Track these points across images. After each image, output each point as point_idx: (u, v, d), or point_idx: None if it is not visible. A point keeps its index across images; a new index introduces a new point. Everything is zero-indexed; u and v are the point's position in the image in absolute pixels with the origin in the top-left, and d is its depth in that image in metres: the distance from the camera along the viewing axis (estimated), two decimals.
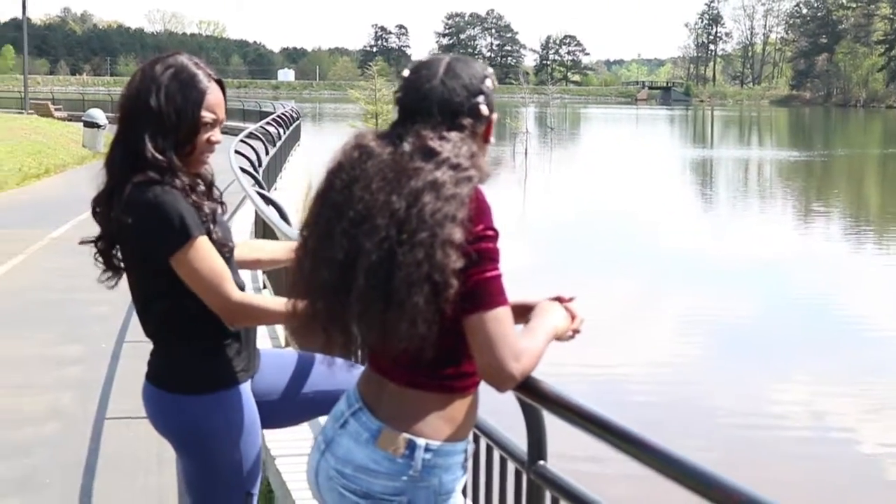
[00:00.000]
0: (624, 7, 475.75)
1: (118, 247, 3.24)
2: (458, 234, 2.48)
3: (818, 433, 11.02)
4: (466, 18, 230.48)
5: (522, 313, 2.76)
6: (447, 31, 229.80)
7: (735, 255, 22.52)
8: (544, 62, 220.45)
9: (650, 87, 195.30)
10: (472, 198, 2.54)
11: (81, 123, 37.21)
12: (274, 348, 3.72)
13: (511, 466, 3.41)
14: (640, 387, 12.29)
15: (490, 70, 2.80)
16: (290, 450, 5.82)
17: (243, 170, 13.31)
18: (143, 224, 3.09)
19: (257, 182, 12.38)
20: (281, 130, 25.99)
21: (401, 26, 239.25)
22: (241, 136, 18.83)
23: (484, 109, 2.70)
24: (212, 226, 3.20)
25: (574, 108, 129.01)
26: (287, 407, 3.56)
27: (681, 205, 32.63)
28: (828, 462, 10.06)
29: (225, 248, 3.26)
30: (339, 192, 2.62)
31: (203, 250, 3.13)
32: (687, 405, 11.62)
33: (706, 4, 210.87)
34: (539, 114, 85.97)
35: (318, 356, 3.50)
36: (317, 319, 2.68)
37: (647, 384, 12.49)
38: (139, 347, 9.39)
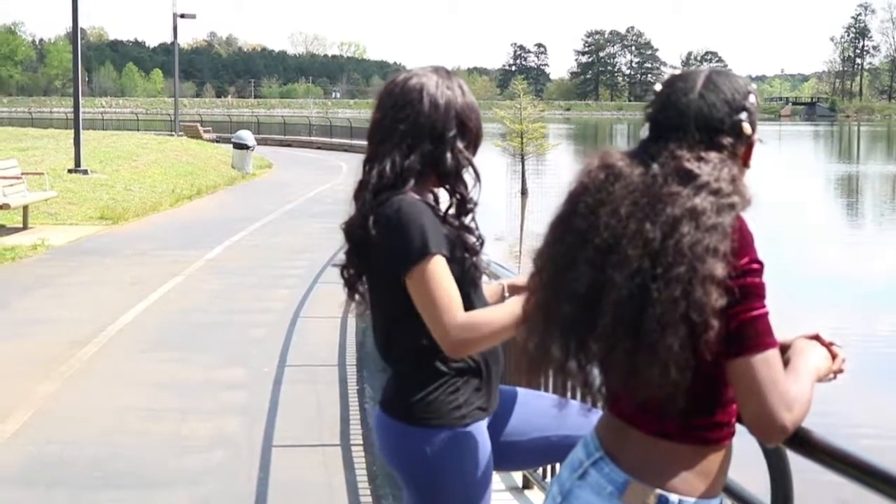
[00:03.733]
0: (767, 22, 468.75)
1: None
2: (720, 270, 2.19)
3: None
4: (606, 36, 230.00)
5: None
6: (587, 49, 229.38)
7: (876, 272, 21.80)
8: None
9: (794, 103, 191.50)
10: (735, 227, 2.25)
11: (230, 145, 37.86)
12: (512, 387, 3.50)
13: None
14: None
15: (754, 85, 2.51)
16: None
17: None
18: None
19: None
20: None
21: (540, 45, 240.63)
22: None
23: (747, 128, 2.41)
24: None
25: None
26: (524, 449, 3.38)
27: (824, 221, 31.72)
28: None
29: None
30: (582, 217, 2.36)
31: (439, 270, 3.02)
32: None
33: (853, 18, 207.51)
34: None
35: (552, 397, 3.30)
36: (552, 358, 2.43)
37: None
38: (301, 371, 9.46)
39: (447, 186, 3.17)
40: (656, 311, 2.20)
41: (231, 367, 9.79)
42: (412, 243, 2.97)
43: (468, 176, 3.20)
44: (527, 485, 5.69)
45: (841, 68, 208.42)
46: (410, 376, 3.13)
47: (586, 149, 74.06)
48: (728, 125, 2.39)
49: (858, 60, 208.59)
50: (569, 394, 3.92)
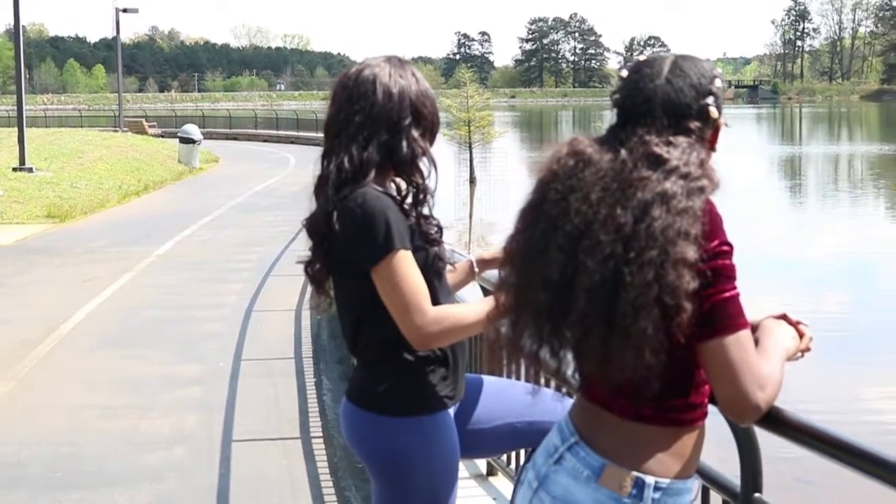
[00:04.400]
0: (708, 6, 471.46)
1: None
2: (691, 253, 2.21)
3: None
4: (550, 23, 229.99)
5: None
6: (530, 37, 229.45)
7: (824, 252, 22.05)
8: (629, 64, 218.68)
9: (736, 86, 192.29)
10: (705, 211, 2.27)
11: (176, 140, 37.66)
12: (478, 374, 3.50)
13: (716, 499, 3.13)
14: None
15: (719, 69, 2.52)
16: None
17: None
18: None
19: None
20: None
21: (484, 33, 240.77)
22: None
23: (713, 112, 2.43)
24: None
25: None
26: (491, 436, 3.37)
27: (769, 202, 31.99)
28: None
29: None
30: (553, 203, 2.36)
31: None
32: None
33: (793, 0, 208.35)
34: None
35: (524, 384, 3.31)
36: (524, 344, 2.44)
37: None
38: (258, 365, 9.42)
39: (403, 176, 3.15)
40: (629, 295, 2.21)
41: (187, 362, 9.75)
42: (377, 238, 2.95)
43: (424, 165, 3.19)
44: (491, 472, 5.70)
45: (782, 51, 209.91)
46: (377, 367, 3.13)
47: (532, 136, 74.41)
48: (695, 109, 2.41)
49: (799, 43, 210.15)
50: (543, 381, 3.96)
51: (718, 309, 2.25)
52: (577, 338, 2.32)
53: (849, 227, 26.67)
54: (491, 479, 5.69)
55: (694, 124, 2.40)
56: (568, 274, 2.31)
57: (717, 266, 2.25)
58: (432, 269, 3.10)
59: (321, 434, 7.60)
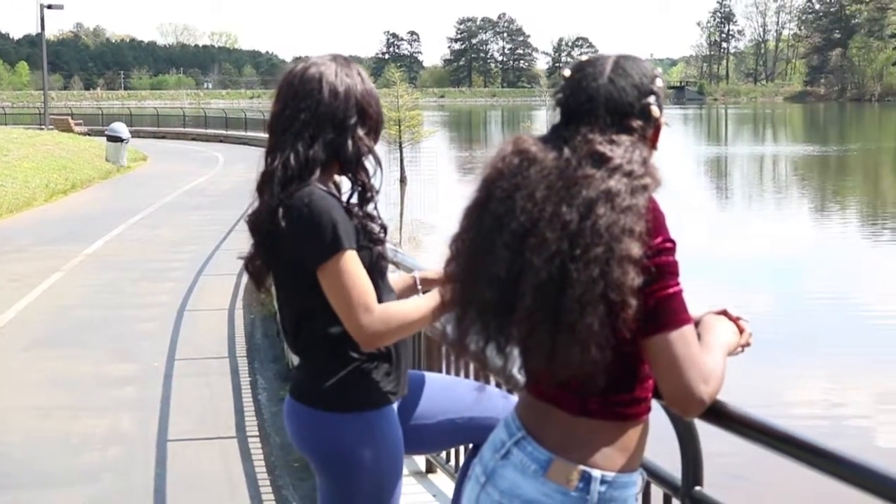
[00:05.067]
0: (635, 7, 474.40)
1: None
2: (636, 249, 2.25)
3: (835, 428, 10.72)
4: (478, 23, 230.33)
5: None
6: (459, 37, 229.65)
7: (750, 252, 22.24)
8: (557, 65, 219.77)
9: None
10: (649, 208, 2.32)
11: (103, 138, 37.26)
12: (423, 371, 3.53)
13: (657, 493, 3.18)
14: None
15: (659, 69, 2.58)
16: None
17: None
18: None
19: None
20: None
21: (412, 32, 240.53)
22: None
23: (655, 111, 2.48)
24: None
25: None
26: (433, 432, 3.40)
27: (695, 202, 32.31)
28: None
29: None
30: (499, 201, 2.40)
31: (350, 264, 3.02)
32: None
33: (718, 2, 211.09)
34: (553, 116, 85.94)
35: (468, 381, 3.34)
36: (470, 341, 2.48)
37: None
38: (192, 365, 9.38)
39: (349, 174, 3.16)
40: (576, 292, 2.25)
41: (120, 362, 9.68)
42: (324, 239, 2.97)
43: (369, 163, 3.21)
44: (430, 469, 5.73)
45: (708, 52, 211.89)
46: (321, 363, 3.14)
47: (461, 135, 74.50)
48: (637, 108, 2.45)
49: (724, 45, 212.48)
50: (491, 380, 4.00)
51: (662, 305, 2.30)
52: (524, 334, 2.35)
53: (771, 227, 26.97)
54: (430, 476, 5.72)
55: (636, 123, 2.44)
56: (514, 271, 2.34)
57: (660, 262, 2.30)
58: (376, 268, 3.12)
59: (257, 433, 7.59)
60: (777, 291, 18.00)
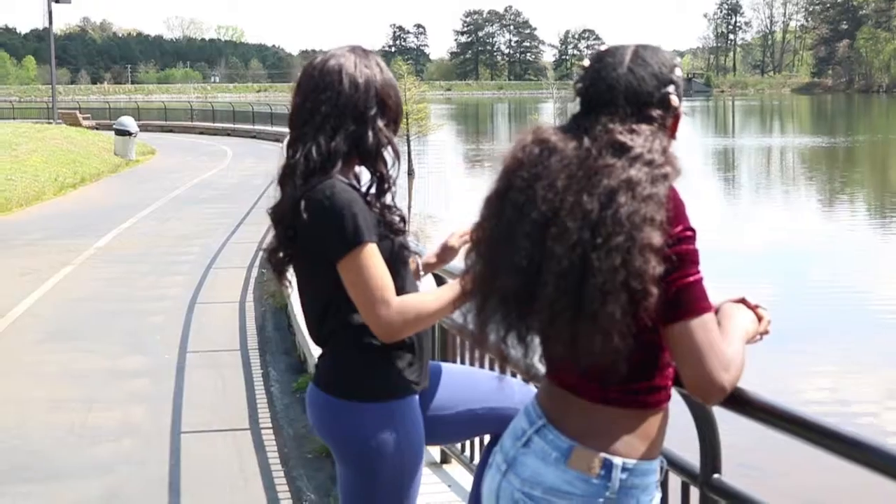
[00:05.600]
0: None
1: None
2: (657, 238, 2.26)
3: (844, 419, 10.73)
4: (485, 16, 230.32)
5: None
6: (465, 29, 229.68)
7: (757, 243, 22.21)
8: (563, 57, 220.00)
9: None
10: (669, 197, 2.33)
11: (112, 132, 37.32)
12: (443, 362, 3.54)
13: (675, 481, 3.20)
14: None
15: (679, 59, 2.59)
16: None
17: None
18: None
19: None
20: None
21: (419, 26, 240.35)
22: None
23: (674, 100, 2.49)
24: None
25: None
26: (453, 423, 3.41)
27: (703, 193, 32.29)
28: None
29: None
30: (519, 191, 2.41)
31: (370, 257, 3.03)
32: None
33: None
34: (561, 109, 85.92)
35: (487, 372, 3.35)
36: (490, 330, 2.49)
37: None
38: (204, 357, 9.40)
39: (369, 166, 3.17)
40: (597, 281, 2.26)
41: (132, 355, 9.71)
42: (345, 231, 2.98)
43: (388, 154, 3.22)
44: (445, 460, 5.75)
45: (715, 44, 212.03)
46: (343, 353, 3.15)
47: (469, 128, 74.44)
48: (657, 98, 2.46)
49: (731, 36, 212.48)
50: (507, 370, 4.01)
51: (683, 293, 2.31)
52: (545, 323, 2.36)
53: (778, 218, 26.92)
54: (445, 466, 5.74)
55: (656, 112, 2.45)
56: (535, 261, 2.35)
57: (681, 251, 2.31)
58: (398, 258, 3.14)
59: (270, 425, 7.61)
60: (784, 282, 17.97)
